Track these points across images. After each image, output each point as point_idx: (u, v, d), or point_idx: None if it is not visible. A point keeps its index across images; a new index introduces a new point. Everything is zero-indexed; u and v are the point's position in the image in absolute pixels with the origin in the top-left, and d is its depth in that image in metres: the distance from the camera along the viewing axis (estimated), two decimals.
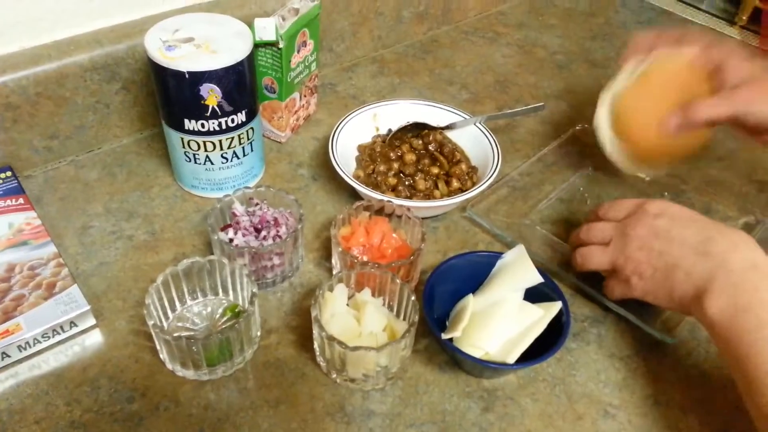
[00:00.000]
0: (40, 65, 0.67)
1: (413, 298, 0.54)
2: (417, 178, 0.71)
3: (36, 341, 0.55)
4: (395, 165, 0.72)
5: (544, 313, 0.55)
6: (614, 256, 0.58)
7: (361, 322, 0.55)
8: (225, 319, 0.58)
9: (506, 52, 1.01)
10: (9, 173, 0.69)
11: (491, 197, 0.73)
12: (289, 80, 0.74)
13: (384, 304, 0.58)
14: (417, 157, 0.74)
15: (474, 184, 0.71)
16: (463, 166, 0.73)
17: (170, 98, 0.63)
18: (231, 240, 0.61)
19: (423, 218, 0.67)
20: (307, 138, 0.81)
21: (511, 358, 0.52)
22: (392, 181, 0.71)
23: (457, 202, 0.67)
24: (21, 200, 0.66)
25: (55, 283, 0.58)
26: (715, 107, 0.61)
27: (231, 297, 0.60)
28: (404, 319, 0.57)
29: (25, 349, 0.55)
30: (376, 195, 0.65)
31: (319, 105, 0.86)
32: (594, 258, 0.60)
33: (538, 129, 0.85)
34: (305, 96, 0.80)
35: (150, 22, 0.72)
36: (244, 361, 0.56)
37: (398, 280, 0.56)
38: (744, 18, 1.09)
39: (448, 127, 0.77)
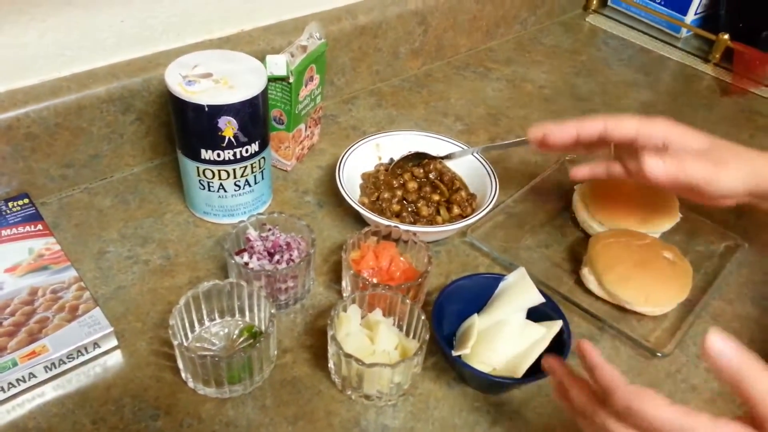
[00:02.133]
0: (59, 97, 0.70)
1: (423, 317, 0.58)
2: (419, 204, 0.75)
3: (61, 362, 0.57)
4: (398, 192, 0.76)
5: (547, 331, 0.59)
6: None
7: (374, 341, 0.58)
8: (242, 339, 0.61)
9: (496, 86, 1.06)
10: (26, 200, 0.71)
11: (489, 223, 0.77)
12: (296, 112, 0.78)
13: (394, 324, 0.62)
14: (419, 185, 0.78)
15: (474, 210, 0.75)
16: (463, 194, 0.77)
17: (188, 129, 0.66)
18: (246, 264, 0.64)
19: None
20: (311, 166, 0.85)
21: (519, 373, 0.56)
22: (396, 207, 0.74)
23: (460, 226, 0.71)
24: (39, 226, 0.68)
25: (78, 306, 0.60)
26: (698, 171, 0.59)
27: (247, 318, 0.63)
28: (414, 337, 0.60)
29: (51, 369, 0.57)
30: (382, 221, 0.69)
31: (321, 135, 0.90)
32: None
33: (529, 159, 0.90)
34: (310, 127, 0.84)
35: (163, 57, 0.76)
36: (262, 379, 0.58)
37: (408, 301, 0.60)
38: (717, 56, 1.16)
39: (447, 157, 0.81)
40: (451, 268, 0.72)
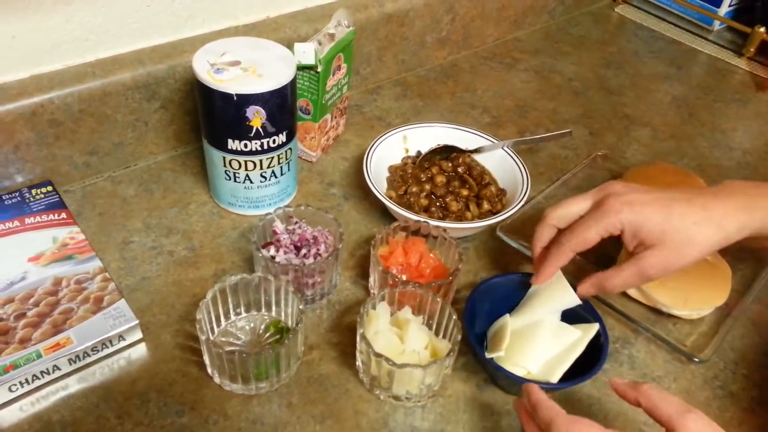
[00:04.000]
0: (84, 83, 0.69)
1: (455, 317, 0.56)
2: (448, 199, 0.73)
3: (86, 354, 0.56)
4: (427, 186, 0.74)
5: (583, 334, 0.57)
6: None
7: (404, 340, 0.57)
8: (268, 334, 0.60)
9: (524, 77, 1.04)
10: (50, 188, 0.70)
11: (519, 219, 0.75)
12: (323, 102, 0.76)
13: (423, 322, 0.60)
14: (447, 179, 0.76)
15: (504, 206, 0.73)
16: (493, 189, 0.75)
17: (215, 119, 0.65)
18: (273, 257, 0.62)
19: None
20: (336, 158, 0.83)
21: (554, 378, 0.54)
22: (424, 202, 0.73)
23: (491, 223, 0.69)
24: (63, 215, 0.67)
25: (103, 297, 0.59)
26: (629, 285, 0.58)
27: (273, 313, 0.61)
28: (444, 337, 0.58)
29: (75, 362, 0.56)
30: (411, 216, 0.67)
31: (346, 126, 0.88)
32: None
33: (559, 153, 0.88)
34: (336, 117, 0.82)
35: (188, 44, 0.75)
36: (288, 376, 0.57)
37: (439, 300, 0.58)
38: (752, 50, 1.13)
39: (476, 151, 0.79)
40: (480, 265, 0.71)
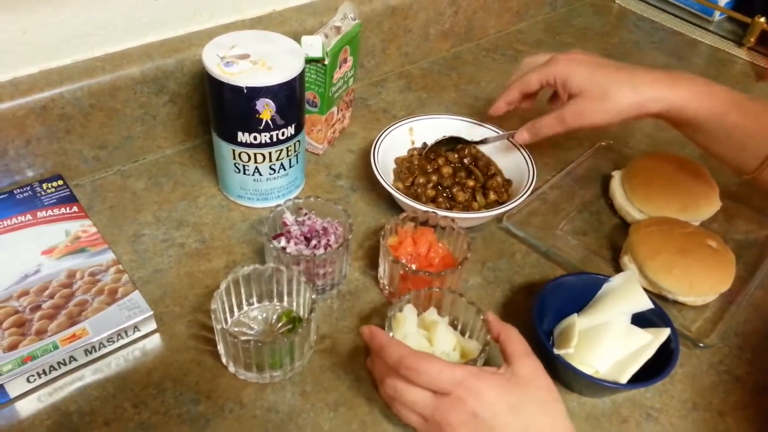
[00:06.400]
0: (94, 77, 0.69)
1: (482, 317, 0.56)
2: (455, 190, 0.74)
3: (102, 345, 0.57)
4: (433, 177, 0.75)
5: (653, 338, 0.57)
6: None
7: (432, 342, 0.57)
8: (281, 324, 0.61)
9: None
10: (61, 182, 0.70)
11: (525, 209, 0.76)
12: (330, 95, 0.77)
13: (449, 323, 0.60)
14: (453, 170, 0.77)
15: (510, 196, 0.74)
16: (499, 179, 0.76)
17: (225, 112, 0.65)
18: (284, 248, 0.63)
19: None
20: (342, 150, 0.84)
21: (623, 379, 0.55)
22: (431, 193, 0.73)
23: (498, 213, 0.70)
24: (75, 208, 0.68)
25: (117, 289, 0.60)
26: (551, 128, 0.69)
27: (285, 303, 0.62)
28: (471, 337, 0.58)
29: (91, 353, 0.57)
30: (420, 206, 0.68)
31: (351, 118, 0.88)
32: (407, 418, 0.52)
33: (563, 144, 0.88)
34: (342, 110, 0.83)
35: (196, 38, 0.75)
36: (302, 365, 0.58)
37: (464, 298, 0.58)
38: (752, 40, 1.13)
39: (482, 142, 0.80)
40: (487, 255, 0.71)
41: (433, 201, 0.73)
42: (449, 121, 0.81)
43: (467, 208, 0.73)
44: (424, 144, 0.80)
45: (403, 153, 0.80)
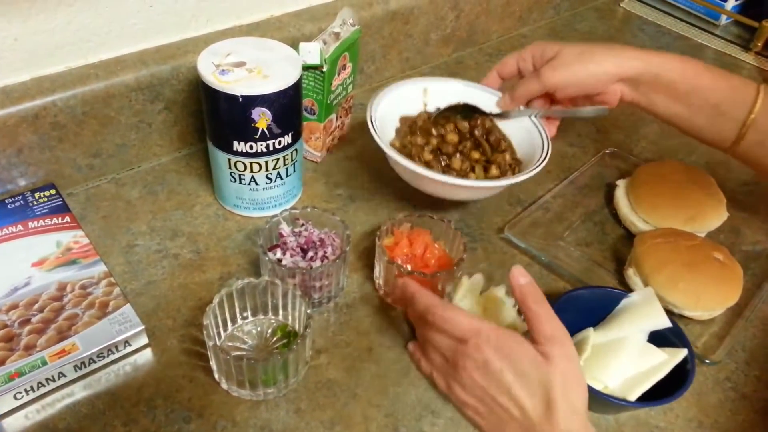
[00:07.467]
0: (87, 85, 0.68)
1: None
2: (454, 158, 0.71)
3: (92, 360, 0.56)
4: (434, 141, 0.71)
5: (669, 358, 0.55)
6: (447, 384, 0.55)
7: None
8: (275, 339, 0.59)
9: None
10: (53, 191, 0.69)
11: (527, 219, 0.74)
12: (329, 102, 0.75)
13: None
14: (459, 138, 0.72)
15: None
16: (507, 157, 0.71)
17: (221, 120, 0.64)
18: (279, 260, 0.62)
19: (456, 200, 0.72)
20: (341, 158, 0.82)
21: (632, 396, 0.53)
22: (428, 156, 0.70)
23: (492, 185, 0.67)
24: (67, 218, 0.66)
25: (108, 303, 0.59)
26: (527, 87, 0.71)
27: (281, 317, 0.61)
28: None
29: (80, 368, 0.55)
30: (409, 164, 0.64)
31: (351, 125, 0.87)
32: (425, 371, 0.57)
33: (567, 151, 0.87)
34: (341, 117, 0.82)
35: (191, 44, 0.74)
36: (297, 381, 0.57)
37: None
38: (759, 44, 1.11)
39: (501, 115, 0.75)
40: (487, 265, 0.70)
41: (427, 164, 0.69)
42: (469, 89, 0.76)
43: (462, 178, 0.68)
44: (437, 109, 0.75)
45: (413, 114, 0.75)
